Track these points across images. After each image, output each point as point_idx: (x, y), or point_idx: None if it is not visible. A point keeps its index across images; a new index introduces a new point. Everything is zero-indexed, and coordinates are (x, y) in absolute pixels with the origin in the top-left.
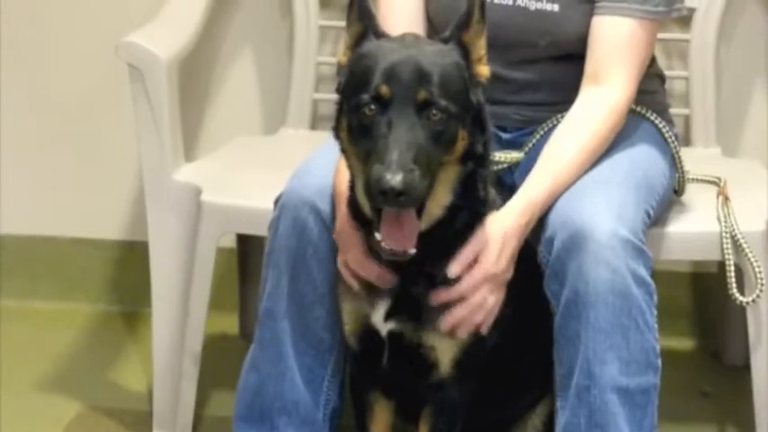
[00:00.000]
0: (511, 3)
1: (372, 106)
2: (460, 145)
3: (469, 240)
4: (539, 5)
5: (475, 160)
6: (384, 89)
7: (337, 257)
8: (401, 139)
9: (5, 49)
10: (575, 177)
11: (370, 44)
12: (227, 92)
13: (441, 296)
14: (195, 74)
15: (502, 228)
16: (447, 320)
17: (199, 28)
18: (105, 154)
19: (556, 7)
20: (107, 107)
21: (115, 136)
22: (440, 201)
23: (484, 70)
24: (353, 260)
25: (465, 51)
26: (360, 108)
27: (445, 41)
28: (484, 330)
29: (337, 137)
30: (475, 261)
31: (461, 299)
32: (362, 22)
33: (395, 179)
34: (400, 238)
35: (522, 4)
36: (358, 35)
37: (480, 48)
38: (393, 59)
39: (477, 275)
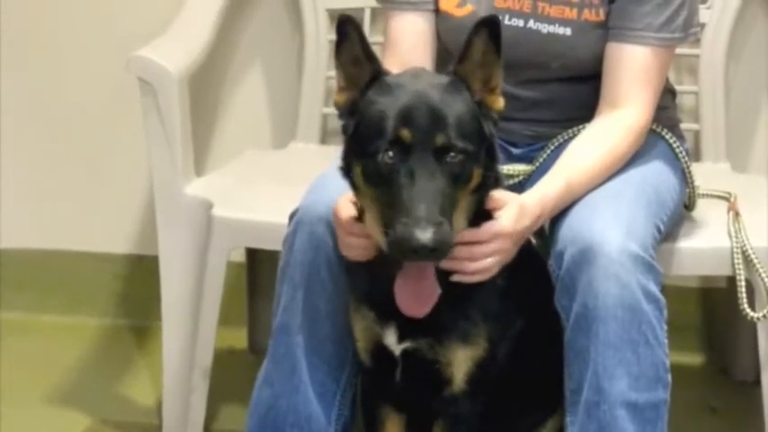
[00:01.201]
0: (522, 24)
1: (391, 153)
2: (475, 181)
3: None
4: (551, 29)
5: (487, 185)
6: (405, 133)
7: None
8: (426, 191)
9: (15, 62)
10: (587, 188)
11: (381, 86)
12: (237, 106)
13: (460, 235)
14: (205, 88)
15: (520, 199)
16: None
17: (209, 42)
18: (115, 168)
19: (568, 31)
20: (117, 121)
21: (125, 150)
22: (455, 230)
23: (497, 103)
24: (350, 244)
25: (466, 84)
26: (376, 155)
27: (448, 75)
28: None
29: (347, 175)
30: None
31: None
32: (371, 63)
33: (425, 236)
34: (416, 306)
35: (535, 27)
36: (369, 77)
37: (493, 79)
38: (406, 103)
39: (494, 228)
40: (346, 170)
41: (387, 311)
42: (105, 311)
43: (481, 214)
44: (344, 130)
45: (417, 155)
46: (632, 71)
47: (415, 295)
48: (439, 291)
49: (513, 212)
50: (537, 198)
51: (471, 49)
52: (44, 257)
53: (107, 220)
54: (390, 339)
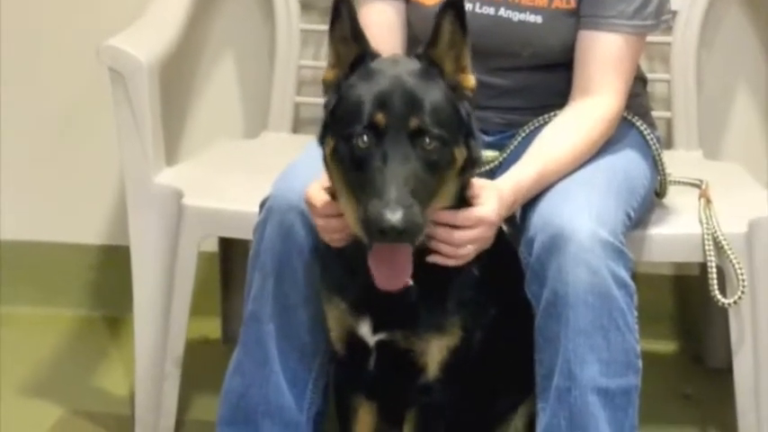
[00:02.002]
0: (493, 12)
1: (365, 137)
2: (459, 163)
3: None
4: (522, 17)
5: (471, 166)
6: (380, 117)
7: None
8: (398, 174)
9: None
10: (560, 175)
11: (362, 71)
12: (208, 95)
13: (443, 216)
14: (177, 77)
15: (497, 186)
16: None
17: (180, 32)
18: (87, 158)
19: (539, 19)
20: (89, 111)
21: (98, 140)
22: (432, 212)
23: (469, 81)
24: (329, 228)
25: (439, 68)
26: (352, 139)
27: (418, 58)
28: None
29: (321, 144)
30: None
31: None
32: (358, 44)
33: (395, 217)
34: (391, 278)
35: (506, 15)
36: (355, 57)
37: (462, 58)
38: (382, 88)
39: (478, 213)
40: (321, 143)
41: (361, 303)
42: (79, 302)
43: (460, 198)
44: (326, 105)
45: (391, 139)
46: (604, 59)
47: (390, 268)
48: (411, 268)
49: (496, 199)
50: (511, 185)
51: (440, 32)
52: (17, 249)
53: (80, 211)
54: (364, 330)
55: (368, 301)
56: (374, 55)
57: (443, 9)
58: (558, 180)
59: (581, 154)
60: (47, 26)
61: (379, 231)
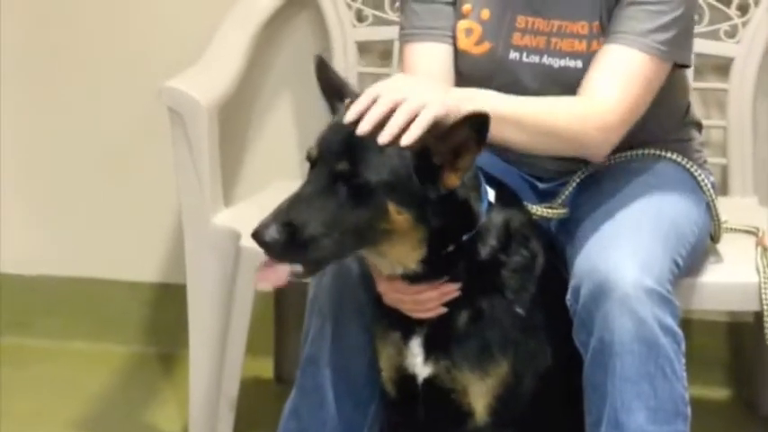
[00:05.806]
0: (537, 60)
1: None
2: (398, 218)
3: None
4: (562, 63)
5: (440, 226)
6: (312, 151)
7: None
8: (297, 197)
9: (51, 90)
10: (512, 120)
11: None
12: (266, 136)
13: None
14: (235, 118)
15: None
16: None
17: (239, 73)
18: (143, 196)
19: (579, 63)
20: (147, 149)
21: (154, 178)
22: (408, 257)
23: (451, 179)
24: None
25: (426, 150)
26: None
27: None
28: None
29: None
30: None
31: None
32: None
33: (264, 231)
34: (265, 282)
35: (547, 62)
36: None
37: (460, 162)
38: (334, 128)
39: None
40: None
41: (411, 330)
42: (133, 339)
43: (447, 247)
44: None
45: (316, 171)
46: (611, 67)
47: (268, 274)
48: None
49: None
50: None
51: (451, 134)
52: (73, 285)
53: (135, 249)
54: (415, 361)
55: (418, 325)
56: (352, 94)
57: (468, 118)
58: (511, 131)
59: (547, 130)
60: (107, 63)
61: (252, 237)
